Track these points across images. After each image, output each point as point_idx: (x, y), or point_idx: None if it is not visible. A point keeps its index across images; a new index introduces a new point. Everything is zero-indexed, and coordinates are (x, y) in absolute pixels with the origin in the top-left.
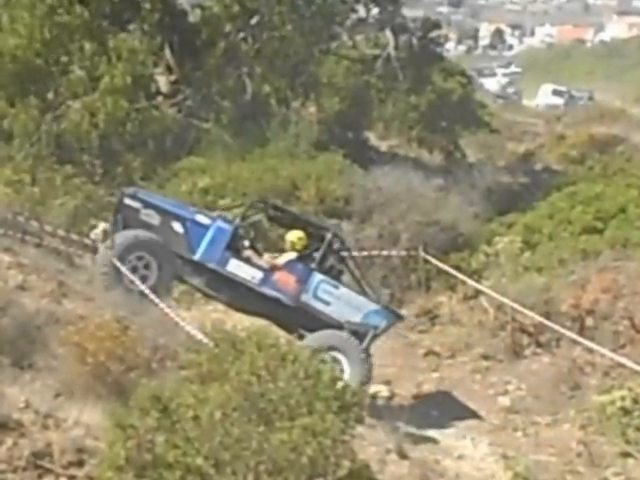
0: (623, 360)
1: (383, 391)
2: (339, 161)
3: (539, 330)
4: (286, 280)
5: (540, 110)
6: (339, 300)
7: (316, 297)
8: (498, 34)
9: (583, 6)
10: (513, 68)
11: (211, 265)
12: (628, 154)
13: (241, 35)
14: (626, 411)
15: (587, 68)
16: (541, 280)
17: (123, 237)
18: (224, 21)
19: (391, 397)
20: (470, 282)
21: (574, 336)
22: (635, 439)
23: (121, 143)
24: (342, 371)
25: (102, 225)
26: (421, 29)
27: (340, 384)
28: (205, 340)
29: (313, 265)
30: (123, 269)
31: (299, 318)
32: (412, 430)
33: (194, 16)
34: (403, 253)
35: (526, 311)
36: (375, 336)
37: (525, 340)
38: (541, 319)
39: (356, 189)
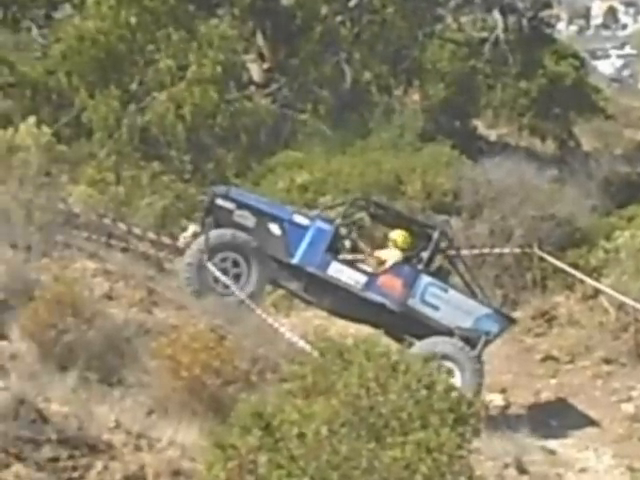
0: None
1: (498, 400)
2: (446, 152)
3: None
4: (392, 284)
5: None
6: (448, 304)
7: (424, 301)
8: (611, 12)
9: None
10: (628, 49)
11: (311, 269)
12: None
13: (339, 19)
14: None
15: None
16: None
17: (211, 236)
18: (320, 4)
19: (507, 406)
20: (589, 281)
21: None
22: None
23: (211, 137)
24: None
25: (193, 227)
26: (531, 9)
27: (455, 395)
28: (309, 349)
29: (420, 267)
30: (213, 269)
31: (406, 324)
32: (530, 442)
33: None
34: (517, 250)
35: None
36: (488, 342)
37: None
38: None
39: (465, 182)
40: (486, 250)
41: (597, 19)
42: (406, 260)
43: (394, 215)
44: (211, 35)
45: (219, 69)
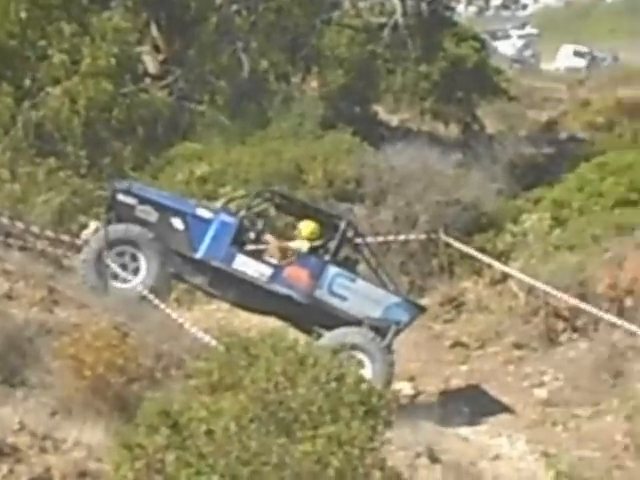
0: None
1: (407, 388)
2: (347, 139)
3: (575, 314)
4: (298, 275)
5: (561, 74)
6: (357, 294)
7: (332, 292)
8: None
9: None
10: (529, 29)
11: (215, 263)
12: None
13: (234, 7)
14: None
15: (609, 26)
16: (574, 259)
17: (108, 231)
18: None
19: (416, 394)
20: (497, 265)
21: (613, 319)
22: None
23: (107, 131)
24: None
25: (94, 224)
26: None
27: (365, 387)
28: (214, 344)
29: (327, 257)
30: (111, 264)
31: (314, 316)
32: (442, 430)
33: None
34: (422, 237)
35: (560, 294)
36: (398, 331)
37: (560, 326)
38: (576, 302)
39: (367, 169)
40: (391, 237)
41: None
42: (313, 251)
43: (299, 206)
44: (104, 28)
45: (113, 62)
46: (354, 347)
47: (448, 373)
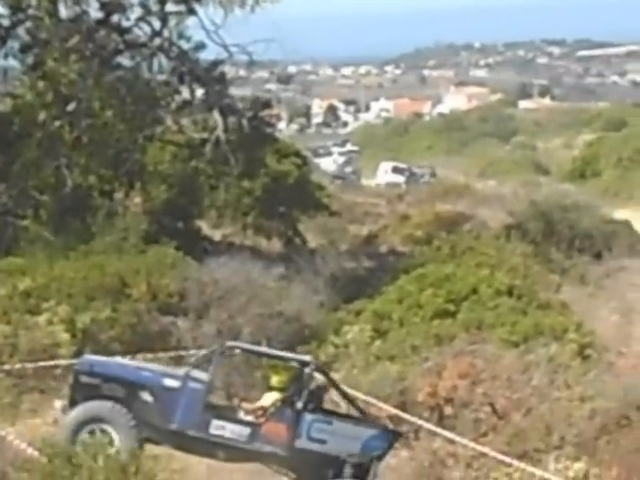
0: (485, 450)
1: None
2: (171, 254)
3: (396, 422)
4: (276, 430)
5: (381, 189)
6: (335, 435)
7: (311, 439)
8: (331, 110)
9: (419, 78)
10: (349, 146)
11: (192, 432)
12: (476, 232)
13: (58, 123)
14: None
15: (427, 143)
16: (394, 369)
17: (78, 411)
18: (38, 109)
19: None
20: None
21: (433, 427)
22: None
23: None
24: None
25: (59, 403)
26: (250, 109)
27: None
28: (37, 456)
29: (299, 406)
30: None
31: (299, 463)
32: None
33: (5, 105)
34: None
35: (381, 403)
36: (380, 459)
37: None
38: (397, 411)
39: (191, 283)
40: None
41: (318, 117)
42: (284, 401)
43: (263, 356)
44: None
45: None
46: None
47: None
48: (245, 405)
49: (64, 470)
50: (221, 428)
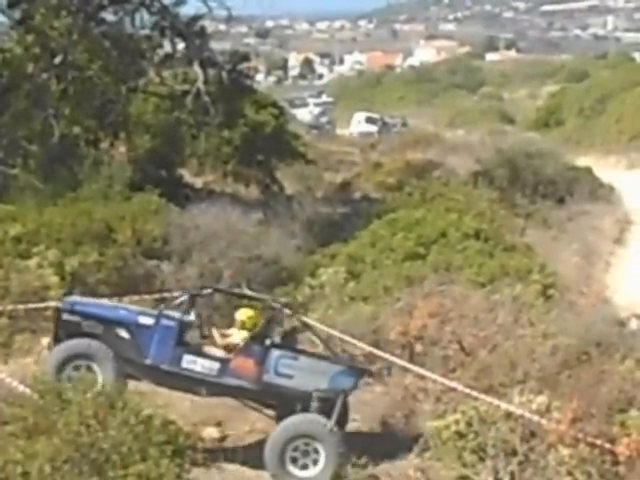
0: (454, 384)
1: (214, 433)
2: (154, 201)
3: (370, 360)
4: (244, 365)
5: (355, 138)
6: (302, 371)
7: (278, 374)
8: (307, 63)
9: (391, 32)
10: (325, 97)
11: (165, 367)
12: (445, 178)
13: (45, 76)
14: (461, 435)
15: (398, 94)
16: (368, 309)
17: (61, 348)
18: (26, 62)
19: (223, 438)
20: (296, 316)
21: (404, 364)
22: (471, 462)
23: None
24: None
25: (45, 340)
26: (230, 62)
27: (173, 428)
28: (28, 392)
29: (268, 342)
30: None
31: (267, 397)
32: (244, 470)
33: None
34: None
35: (355, 341)
36: (346, 395)
37: None
38: (371, 348)
39: (173, 228)
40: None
41: (294, 70)
42: (254, 338)
43: (236, 297)
44: None
45: None
46: (310, 436)
47: (253, 418)
48: (216, 332)
49: (54, 405)
50: (192, 362)
